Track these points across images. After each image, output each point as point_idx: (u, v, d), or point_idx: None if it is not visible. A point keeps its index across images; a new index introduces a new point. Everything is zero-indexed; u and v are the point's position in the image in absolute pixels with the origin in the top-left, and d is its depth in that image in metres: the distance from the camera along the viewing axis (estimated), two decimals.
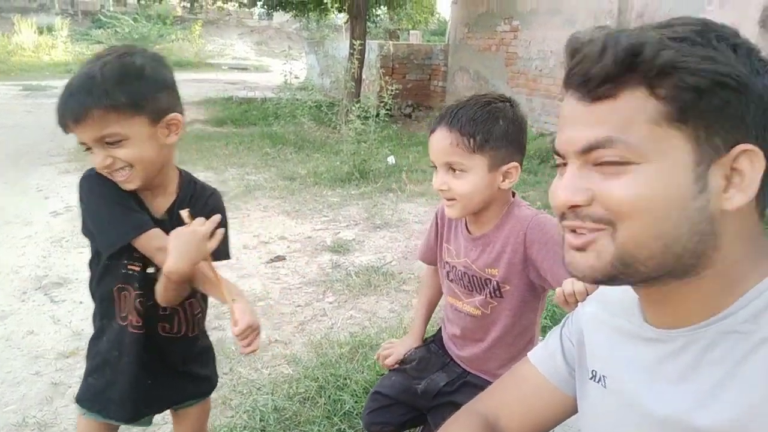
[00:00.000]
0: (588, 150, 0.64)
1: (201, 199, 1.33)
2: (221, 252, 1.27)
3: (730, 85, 0.60)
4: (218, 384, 2.23)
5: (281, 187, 5.20)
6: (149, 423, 1.45)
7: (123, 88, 1.11)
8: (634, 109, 0.61)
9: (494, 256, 1.35)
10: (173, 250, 1.13)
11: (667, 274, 0.64)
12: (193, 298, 1.33)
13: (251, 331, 1.15)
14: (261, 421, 2.01)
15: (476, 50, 9.11)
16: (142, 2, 23.16)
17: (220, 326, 2.75)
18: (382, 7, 12.99)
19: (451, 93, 9.91)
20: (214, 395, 2.17)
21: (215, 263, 1.21)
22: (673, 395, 0.68)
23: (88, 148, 1.15)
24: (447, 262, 1.47)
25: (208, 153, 6.51)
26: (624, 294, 0.79)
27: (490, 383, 1.30)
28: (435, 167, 1.33)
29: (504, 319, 1.39)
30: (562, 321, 0.97)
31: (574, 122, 0.65)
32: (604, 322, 0.84)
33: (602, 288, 0.90)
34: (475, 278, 1.40)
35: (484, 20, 8.85)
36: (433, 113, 9.25)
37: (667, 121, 0.60)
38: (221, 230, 1.19)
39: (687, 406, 0.66)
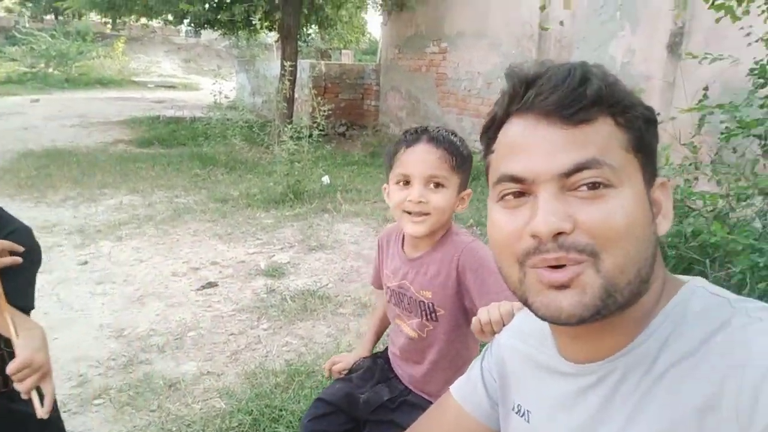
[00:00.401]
0: (574, 171, 0.62)
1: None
2: (16, 294, 1.15)
3: (655, 122, 0.68)
4: (145, 423, 2.13)
5: (212, 210, 5.05)
6: None
7: None
8: (608, 135, 0.63)
9: (428, 279, 1.38)
10: None
11: (625, 305, 0.63)
12: None
13: (29, 371, 1.02)
14: None
15: (407, 70, 9.28)
16: (60, 18, 22.22)
17: (147, 360, 2.61)
18: (313, 26, 13.02)
19: (383, 112, 10.03)
20: None
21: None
22: (589, 430, 0.69)
23: None
24: (388, 287, 1.49)
25: (134, 175, 6.25)
26: (537, 325, 0.77)
27: (430, 403, 1.31)
28: (405, 182, 1.34)
29: (439, 343, 1.40)
30: (482, 352, 0.96)
31: (547, 146, 0.63)
32: (521, 354, 0.83)
33: (517, 318, 0.91)
34: (411, 300, 1.42)
35: (414, 42, 9.04)
36: (367, 132, 9.33)
37: (631, 148, 0.64)
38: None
39: None
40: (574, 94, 0.62)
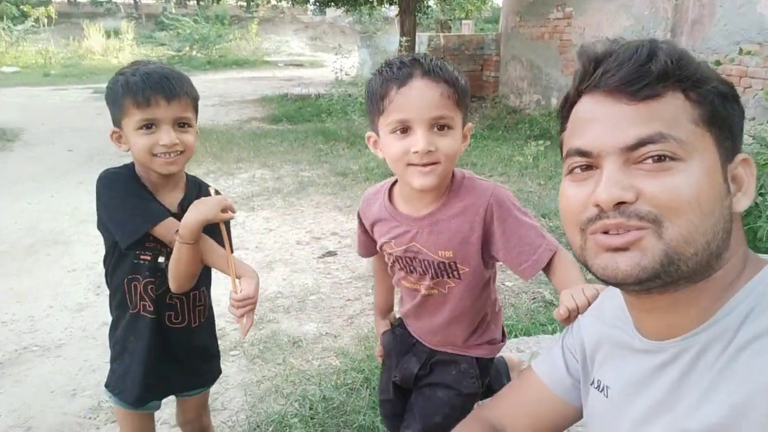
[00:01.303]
0: (638, 145, 0.64)
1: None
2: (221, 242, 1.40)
3: (736, 97, 0.68)
4: (272, 374, 2.40)
5: (333, 183, 5.34)
6: (158, 407, 1.55)
7: (192, 88, 1.35)
8: (677, 109, 0.65)
9: (447, 237, 1.22)
10: (192, 209, 1.27)
11: (693, 275, 0.65)
12: (197, 290, 1.46)
13: (248, 302, 1.26)
14: (310, 409, 2.13)
15: (529, 39, 8.96)
16: (202, 3, 24.01)
17: (275, 319, 2.90)
18: None
19: (503, 83, 9.79)
20: (268, 384, 2.33)
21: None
22: (666, 405, 0.71)
23: (149, 126, 1.27)
24: (389, 254, 1.33)
25: (264, 150, 6.75)
26: (617, 303, 0.82)
27: (459, 356, 1.36)
28: (403, 130, 1.12)
29: (463, 299, 1.30)
30: (564, 331, 0.99)
31: (613, 121, 0.66)
32: (602, 333, 0.87)
33: (600, 298, 0.94)
34: (426, 262, 1.26)
35: (536, 8, 8.68)
36: (486, 104, 9.18)
37: (703, 123, 0.65)
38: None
39: (678, 414, 0.69)
40: (641, 71, 0.65)
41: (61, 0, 24.68)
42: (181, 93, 1.29)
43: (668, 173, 0.63)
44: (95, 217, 1.41)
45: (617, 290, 0.78)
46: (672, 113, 0.64)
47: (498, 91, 9.87)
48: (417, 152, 1.10)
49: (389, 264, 1.37)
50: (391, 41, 11.33)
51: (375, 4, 11.13)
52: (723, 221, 0.65)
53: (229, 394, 2.31)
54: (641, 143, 0.64)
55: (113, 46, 19.71)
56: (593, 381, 0.87)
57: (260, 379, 2.39)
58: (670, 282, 0.66)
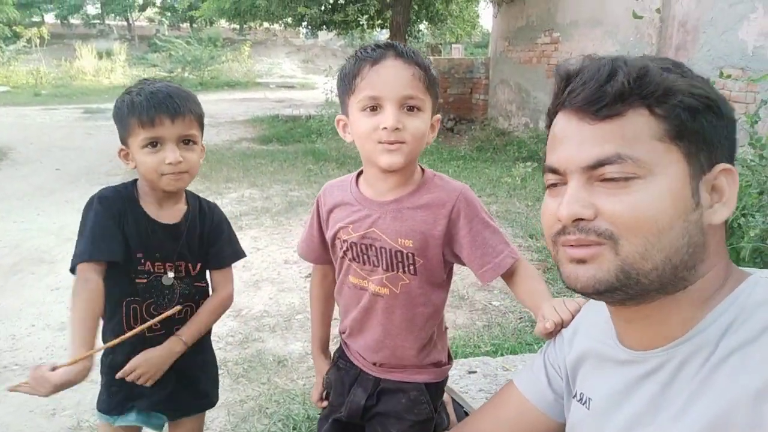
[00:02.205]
0: (595, 166, 0.67)
1: (210, 212, 1.48)
2: (230, 255, 1.49)
3: (712, 107, 0.67)
4: (256, 393, 2.37)
5: None
6: (161, 427, 1.51)
7: (198, 105, 1.38)
8: (639, 127, 0.66)
9: (410, 225, 1.19)
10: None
11: (661, 288, 0.67)
12: (201, 300, 1.46)
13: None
14: (294, 429, 2.10)
15: (517, 63, 9.11)
16: (194, 26, 24.23)
17: (260, 338, 2.87)
18: (423, 22, 13.15)
19: (492, 106, 9.92)
20: (251, 403, 2.30)
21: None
22: (648, 416, 0.71)
23: (154, 145, 1.29)
24: (344, 240, 1.26)
25: (254, 170, 6.75)
26: (600, 317, 0.82)
27: (406, 383, 1.28)
28: (373, 108, 1.12)
29: (416, 298, 1.23)
30: (545, 345, 0.99)
31: (577, 140, 0.69)
32: (584, 346, 0.87)
33: (582, 311, 0.94)
34: (384, 251, 1.22)
35: (525, 33, 8.85)
36: (475, 126, 9.28)
37: (668, 138, 0.66)
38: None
39: (660, 424, 0.69)
40: (599, 92, 0.67)
41: (54, 21, 24.83)
42: (185, 111, 1.30)
43: (626, 191, 0.66)
44: None
45: (601, 303, 0.79)
46: (633, 131, 0.66)
47: (487, 113, 9.98)
48: (386, 128, 1.11)
49: (339, 255, 1.30)
50: None
51: (366, 27, 11.28)
52: (687, 235, 0.66)
53: (212, 414, 2.26)
54: (599, 163, 0.67)
55: (105, 67, 19.78)
56: (575, 394, 0.87)
57: (244, 399, 2.36)
58: (636, 294, 0.68)
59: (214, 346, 2.74)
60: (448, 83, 10.10)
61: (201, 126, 1.38)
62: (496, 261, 1.18)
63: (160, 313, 1.32)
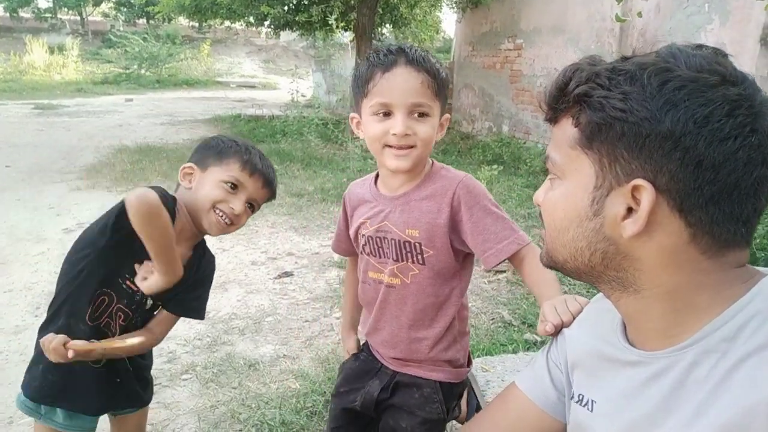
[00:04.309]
0: (544, 163, 0.77)
1: (206, 265, 1.48)
2: (192, 310, 1.46)
3: (628, 120, 0.64)
4: (228, 398, 2.29)
5: (289, 204, 5.26)
6: (93, 429, 1.46)
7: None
8: (563, 133, 0.71)
9: (416, 216, 1.26)
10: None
11: (594, 279, 0.74)
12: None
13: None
14: None
15: (481, 68, 9.22)
16: (152, 22, 23.63)
17: (229, 341, 2.79)
18: (387, 25, 13.17)
19: (456, 110, 10.01)
20: (223, 408, 2.23)
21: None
22: (657, 419, 0.69)
23: (233, 186, 1.35)
24: (363, 235, 1.35)
25: None
26: (605, 317, 0.82)
27: (421, 379, 1.31)
28: (384, 113, 1.19)
29: (426, 289, 1.28)
30: (548, 344, 0.98)
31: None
32: (588, 346, 0.85)
33: (585, 311, 0.94)
34: (393, 242, 1.29)
35: (488, 38, 8.97)
36: None
37: (579, 146, 0.69)
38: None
39: (671, 429, 0.67)
40: (548, 98, 0.74)
41: (2, 14, 23.75)
42: (275, 187, 1.45)
43: (551, 189, 0.76)
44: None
45: (608, 304, 0.78)
46: (560, 136, 0.72)
47: (451, 117, 10.06)
48: (395, 134, 1.18)
49: (360, 250, 1.39)
50: (346, 66, 11.43)
51: (333, 27, 11.21)
52: (586, 240, 0.71)
53: (181, 420, 2.18)
54: (544, 161, 0.78)
55: (57, 62, 19.05)
56: (574, 395, 0.85)
57: (215, 404, 2.27)
58: (575, 277, 0.77)
59: (182, 349, 2.68)
60: None
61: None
62: (499, 247, 1.21)
63: (125, 325, 1.35)
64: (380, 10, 10.31)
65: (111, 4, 26.26)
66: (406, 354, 1.33)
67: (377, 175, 1.38)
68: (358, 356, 1.47)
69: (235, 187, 1.35)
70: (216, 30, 22.42)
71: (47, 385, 1.35)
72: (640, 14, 3.14)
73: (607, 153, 0.66)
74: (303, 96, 9.48)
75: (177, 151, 7.64)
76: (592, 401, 0.81)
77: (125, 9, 26.03)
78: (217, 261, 4.08)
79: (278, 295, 3.35)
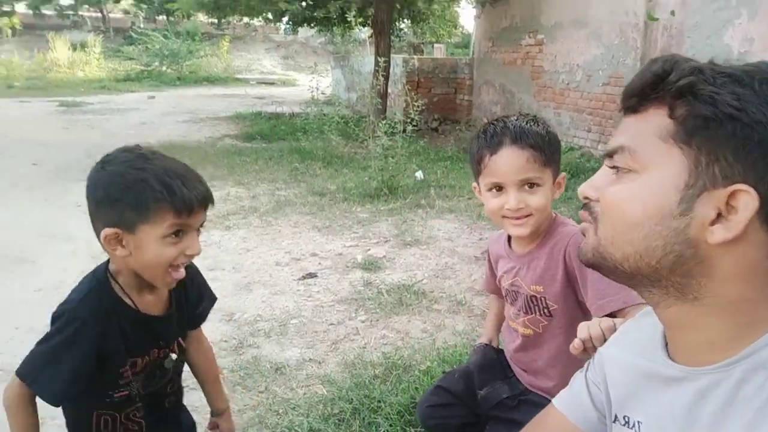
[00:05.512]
0: (608, 155, 0.72)
1: (189, 275, 1.27)
2: (208, 307, 1.43)
3: (742, 120, 0.61)
4: (255, 402, 2.30)
5: (311, 203, 5.28)
6: None
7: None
8: (649, 124, 0.67)
9: (538, 273, 1.37)
10: None
11: (648, 282, 0.69)
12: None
13: None
14: None
15: (501, 64, 9.13)
16: (171, 19, 23.80)
17: (255, 343, 2.80)
18: (405, 21, 13.10)
19: (477, 107, 9.93)
20: (251, 413, 2.24)
21: None
22: None
23: (176, 234, 1.12)
24: (503, 287, 1.51)
25: (239, 168, 6.64)
26: (644, 332, 0.80)
27: (549, 401, 1.34)
28: (497, 188, 1.32)
29: (556, 339, 1.39)
30: (585, 365, 0.96)
31: (618, 130, 0.74)
32: (627, 364, 0.83)
33: (622, 329, 0.92)
34: (524, 296, 1.41)
35: (509, 34, 8.87)
36: (460, 127, 9.29)
37: (673, 139, 0.65)
38: None
39: None
40: (628, 88, 0.71)
41: (25, 11, 24.11)
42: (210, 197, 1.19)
43: (618, 182, 0.71)
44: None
45: (646, 320, 0.77)
46: (644, 127, 0.68)
47: (471, 114, 10.00)
48: (509, 209, 1.30)
49: (504, 297, 1.54)
50: (365, 62, 11.39)
51: (353, 24, 11.19)
52: (662, 240, 0.66)
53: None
54: (609, 153, 0.72)
55: (80, 59, 19.30)
56: (621, 417, 0.83)
57: (242, 409, 2.29)
58: (620, 277, 0.73)
59: None
60: (432, 83, 10.09)
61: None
62: (599, 303, 1.24)
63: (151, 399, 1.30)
64: (398, 5, 10.25)
65: (131, 1, 26.52)
66: (538, 384, 1.46)
67: None
68: (499, 354, 1.62)
69: (180, 232, 1.12)
70: (235, 26, 22.57)
71: None
72: (673, 13, 3.07)
73: (707, 151, 0.63)
74: (323, 93, 9.48)
75: (199, 149, 7.71)
76: (638, 422, 0.79)
77: (145, 6, 26.27)
78: (241, 261, 4.11)
79: (303, 297, 3.37)
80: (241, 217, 4.85)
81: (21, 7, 23.88)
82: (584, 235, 0.77)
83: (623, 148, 0.69)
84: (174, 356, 1.31)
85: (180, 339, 1.34)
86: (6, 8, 22.84)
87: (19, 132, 8.65)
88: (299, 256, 4.01)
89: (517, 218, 1.31)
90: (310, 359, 2.67)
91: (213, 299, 1.44)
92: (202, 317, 1.43)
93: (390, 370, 2.48)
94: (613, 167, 0.71)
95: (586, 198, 0.76)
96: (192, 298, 1.35)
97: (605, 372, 0.88)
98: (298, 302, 3.29)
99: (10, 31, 19.62)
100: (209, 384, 1.52)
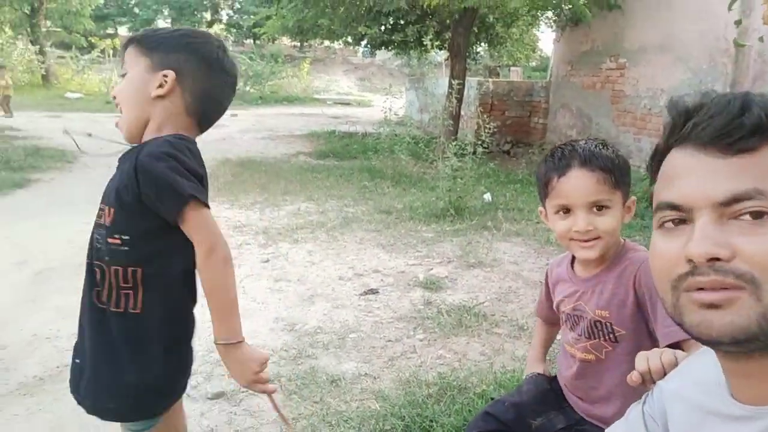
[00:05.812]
0: (732, 201, 0.61)
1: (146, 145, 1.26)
2: (171, 198, 1.20)
3: None
4: (309, 412, 2.33)
5: (377, 221, 5.33)
6: None
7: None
8: None
9: (606, 298, 1.33)
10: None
11: None
12: (102, 264, 1.26)
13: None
14: None
15: (579, 87, 8.92)
16: (258, 42, 25.01)
17: (313, 354, 2.84)
18: (482, 44, 13.10)
19: (552, 130, 9.73)
20: (304, 422, 2.26)
21: None
22: None
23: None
24: (563, 312, 1.47)
25: (310, 184, 6.82)
26: (706, 369, 0.76)
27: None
28: (564, 210, 1.31)
29: (620, 365, 1.32)
30: (642, 397, 0.93)
31: (707, 175, 0.64)
32: (688, 400, 0.80)
33: (685, 365, 0.88)
34: (587, 321, 1.38)
35: (589, 57, 8.67)
36: (533, 150, 9.11)
37: None
38: None
39: None
40: (733, 124, 0.62)
41: (127, 34, 26.13)
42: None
43: (765, 230, 0.60)
44: None
45: (709, 357, 0.72)
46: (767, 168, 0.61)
47: (545, 138, 9.80)
48: (578, 231, 1.28)
49: (562, 322, 1.50)
50: (439, 84, 11.46)
51: (430, 47, 11.33)
52: None
53: (265, 429, 2.24)
54: (735, 199, 0.61)
55: None
56: None
57: (296, 417, 2.32)
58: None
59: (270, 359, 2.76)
60: (506, 106, 10.00)
61: None
62: (666, 331, 1.20)
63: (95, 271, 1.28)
64: (475, 29, 10.29)
65: (222, 26, 28.15)
66: (596, 413, 1.40)
67: (573, 256, 1.45)
68: (552, 383, 1.54)
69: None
70: (316, 49, 23.37)
71: (166, 379, 1.34)
72: (761, 39, 2.90)
73: None
74: (396, 114, 9.62)
75: (275, 164, 8.00)
76: None
77: (235, 30, 27.78)
78: (306, 274, 4.20)
79: (363, 312, 3.39)
80: (309, 231, 4.97)
81: (123, 30, 25.89)
82: (712, 308, 0.62)
83: (760, 192, 0.60)
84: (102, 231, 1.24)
85: (108, 209, 1.24)
86: (110, 31, 24.84)
87: (113, 144, 9.30)
88: (362, 272, 4.04)
89: (586, 241, 1.29)
90: (366, 374, 2.68)
91: (177, 197, 1.19)
92: (159, 206, 1.21)
93: (444, 391, 2.44)
94: (737, 216, 0.62)
95: (713, 259, 0.61)
96: (136, 163, 1.21)
97: (665, 407, 0.85)
98: (358, 317, 3.31)
99: (111, 52, 21.25)
100: (211, 312, 1.27)
